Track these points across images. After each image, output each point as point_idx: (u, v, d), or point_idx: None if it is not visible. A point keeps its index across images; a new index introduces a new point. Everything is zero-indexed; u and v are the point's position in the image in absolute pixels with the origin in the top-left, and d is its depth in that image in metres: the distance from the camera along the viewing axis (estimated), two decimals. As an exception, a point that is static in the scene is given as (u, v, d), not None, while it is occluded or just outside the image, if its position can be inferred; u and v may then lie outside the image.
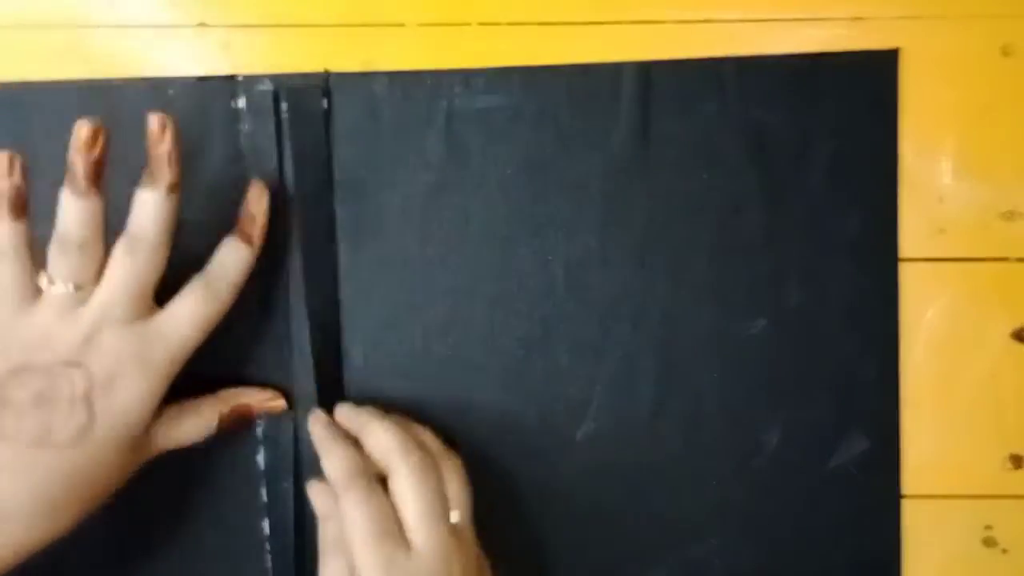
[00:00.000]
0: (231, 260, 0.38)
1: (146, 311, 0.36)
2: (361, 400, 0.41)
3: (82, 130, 0.35)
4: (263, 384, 0.41)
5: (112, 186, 0.40)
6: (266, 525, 0.42)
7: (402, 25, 0.41)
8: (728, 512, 0.42)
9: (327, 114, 0.41)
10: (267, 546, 0.42)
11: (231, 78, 0.41)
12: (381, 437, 0.38)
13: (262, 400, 0.40)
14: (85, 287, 0.36)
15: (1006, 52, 0.41)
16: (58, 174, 0.40)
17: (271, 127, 0.40)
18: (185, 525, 0.42)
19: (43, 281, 0.36)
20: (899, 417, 0.42)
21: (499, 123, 0.41)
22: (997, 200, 0.42)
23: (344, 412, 0.40)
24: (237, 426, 0.40)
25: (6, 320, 0.35)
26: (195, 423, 0.38)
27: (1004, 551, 0.43)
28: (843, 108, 0.41)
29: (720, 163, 0.41)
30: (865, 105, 0.41)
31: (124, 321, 0.36)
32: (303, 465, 0.41)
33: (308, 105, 0.40)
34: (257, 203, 0.39)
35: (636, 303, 0.41)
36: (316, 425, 0.40)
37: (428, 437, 0.39)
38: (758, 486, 0.42)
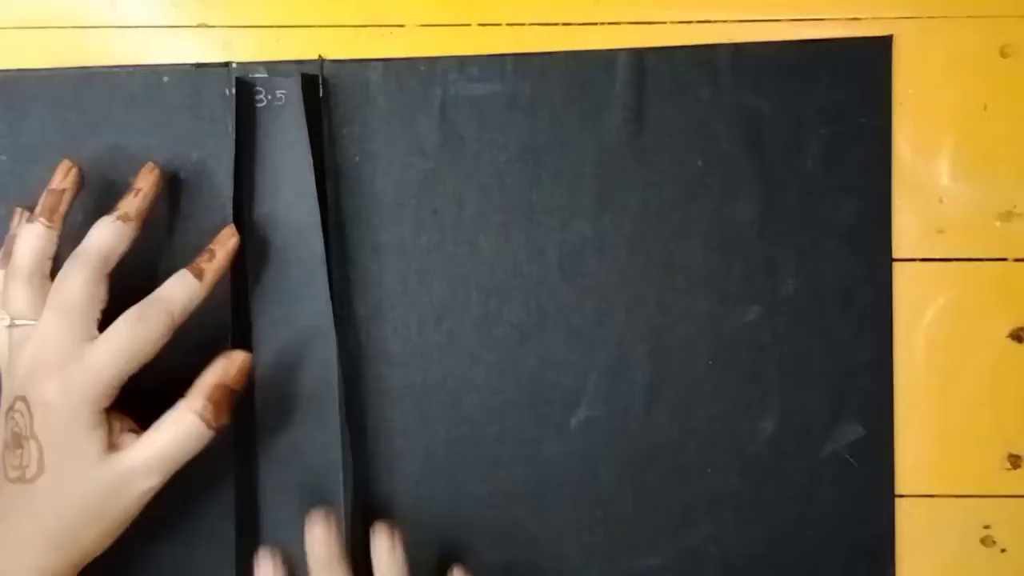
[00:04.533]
0: (177, 292, 0.37)
1: (84, 338, 0.36)
2: (356, 389, 0.41)
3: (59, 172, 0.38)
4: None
5: (109, 175, 0.41)
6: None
7: (402, 26, 0.41)
8: (722, 500, 0.42)
9: (322, 101, 0.41)
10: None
11: (226, 65, 0.41)
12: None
13: (227, 368, 0.37)
14: (25, 321, 0.37)
15: (1004, 52, 0.41)
16: (53, 160, 0.40)
17: (266, 114, 0.40)
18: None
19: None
20: (893, 404, 0.42)
21: (493, 110, 0.41)
22: (995, 200, 0.42)
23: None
24: (227, 408, 0.37)
25: None
26: (178, 434, 0.36)
27: (1002, 550, 0.43)
28: (837, 95, 0.41)
29: (714, 150, 0.41)
30: (859, 92, 0.41)
31: (56, 354, 0.35)
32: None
33: (303, 92, 0.40)
34: (223, 243, 0.38)
35: (630, 290, 0.41)
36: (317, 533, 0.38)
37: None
38: (752, 474, 0.42)
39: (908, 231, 0.42)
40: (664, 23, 0.41)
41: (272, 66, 0.41)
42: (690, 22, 0.41)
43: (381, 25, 0.41)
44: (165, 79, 0.41)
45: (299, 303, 0.41)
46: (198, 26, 0.41)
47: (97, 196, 0.41)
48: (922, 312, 0.42)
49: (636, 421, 0.42)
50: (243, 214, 0.40)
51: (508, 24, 0.41)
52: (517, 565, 0.42)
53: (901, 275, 0.42)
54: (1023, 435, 0.42)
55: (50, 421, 0.35)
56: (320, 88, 0.41)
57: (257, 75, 0.41)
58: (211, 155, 0.41)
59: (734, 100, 0.41)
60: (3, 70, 0.41)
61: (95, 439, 0.35)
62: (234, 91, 0.40)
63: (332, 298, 0.40)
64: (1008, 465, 0.42)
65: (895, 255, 0.42)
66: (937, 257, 0.42)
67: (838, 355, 0.41)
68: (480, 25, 0.41)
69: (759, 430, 0.42)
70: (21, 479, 0.35)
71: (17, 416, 0.35)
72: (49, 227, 0.37)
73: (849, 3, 0.41)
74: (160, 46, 0.41)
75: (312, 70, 0.41)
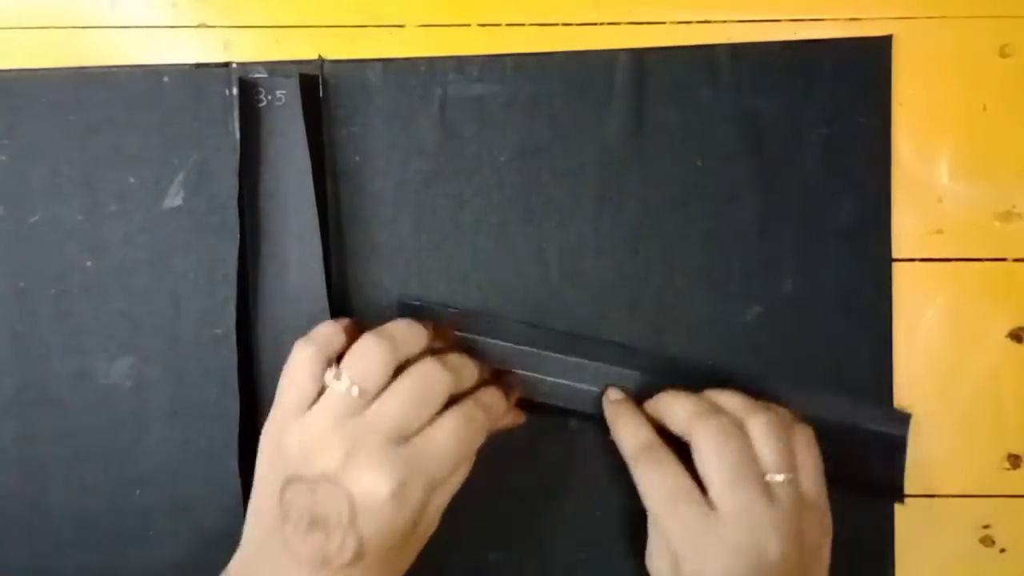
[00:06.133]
0: (487, 396, 0.37)
1: (413, 432, 0.34)
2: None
3: None
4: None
5: (109, 175, 0.41)
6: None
7: (402, 26, 0.41)
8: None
9: (322, 101, 0.41)
10: None
11: (226, 65, 0.41)
12: (678, 407, 0.38)
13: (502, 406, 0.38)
14: (366, 396, 0.34)
15: (1004, 52, 0.41)
16: (54, 161, 0.41)
17: (266, 114, 0.40)
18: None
19: (329, 375, 0.35)
20: (893, 404, 0.42)
21: (493, 110, 0.41)
22: (995, 200, 0.42)
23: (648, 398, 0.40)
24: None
25: (284, 425, 0.35)
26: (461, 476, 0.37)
27: (1002, 550, 0.43)
28: (837, 95, 0.41)
29: (714, 150, 0.41)
30: (859, 92, 0.41)
31: (388, 439, 0.34)
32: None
33: (303, 92, 0.40)
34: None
35: (630, 290, 0.41)
36: (609, 399, 0.40)
37: (732, 401, 0.38)
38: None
39: (908, 231, 0.42)
40: (664, 23, 0.41)
41: (272, 66, 0.41)
42: (690, 22, 0.41)
43: (381, 25, 0.41)
44: (165, 79, 0.41)
45: (299, 303, 0.41)
46: (198, 26, 0.41)
47: (97, 196, 0.41)
48: (922, 312, 0.42)
49: (636, 421, 0.42)
50: (244, 214, 0.40)
51: (508, 24, 0.41)
52: (517, 565, 0.42)
53: (901, 275, 0.42)
54: (1023, 435, 0.42)
55: (374, 517, 0.33)
56: (320, 88, 0.41)
57: (257, 75, 0.41)
58: (211, 155, 0.41)
59: (734, 100, 0.41)
60: (3, 70, 0.41)
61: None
62: (236, 91, 0.40)
63: (332, 298, 0.40)
64: (1008, 465, 0.42)
65: (895, 255, 0.42)
66: (937, 257, 0.42)
67: (838, 353, 0.41)
68: (480, 25, 0.41)
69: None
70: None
71: (329, 502, 0.33)
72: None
73: (849, 3, 0.41)
74: (160, 46, 0.41)
75: (312, 70, 0.41)
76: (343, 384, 0.34)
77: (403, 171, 0.41)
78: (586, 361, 0.41)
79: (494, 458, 0.42)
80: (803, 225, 0.41)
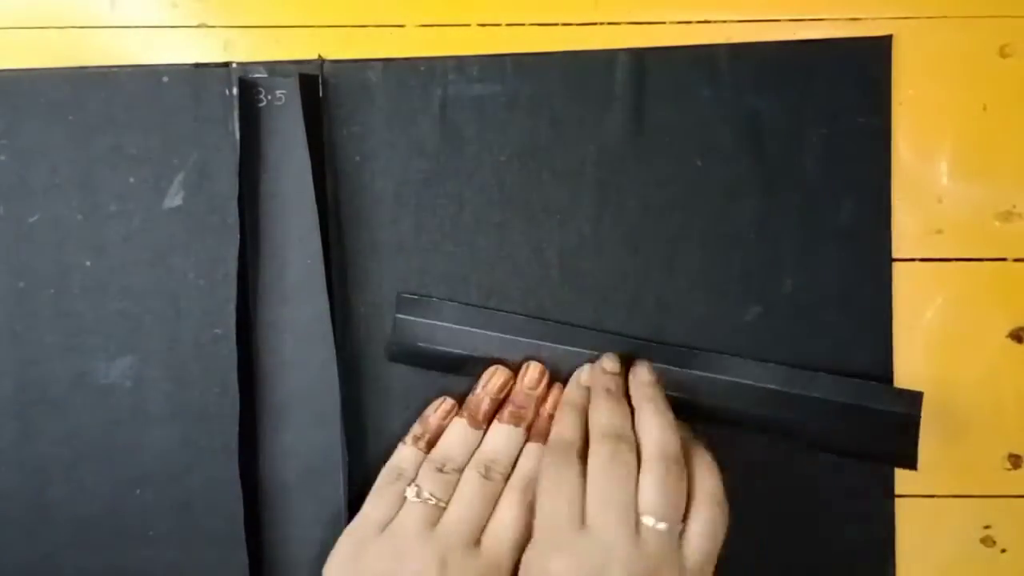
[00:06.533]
0: (525, 463, 0.39)
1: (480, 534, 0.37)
2: (356, 389, 0.41)
3: (532, 371, 0.40)
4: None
5: (109, 175, 0.41)
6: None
7: (402, 26, 0.41)
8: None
9: (322, 101, 0.41)
10: None
11: (226, 65, 0.41)
12: (600, 413, 0.38)
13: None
14: (441, 502, 0.38)
15: (1004, 52, 0.41)
16: (53, 161, 0.41)
17: (266, 114, 0.40)
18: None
19: (411, 492, 0.38)
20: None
21: (493, 110, 0.41)
22: (994, 200, 0.42)
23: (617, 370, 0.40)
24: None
25: (366, 540, 0.37)
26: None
27: (1003, 551, 0.43)
28: (837, 95, 0.41)
29: (714, 149, 0.41)
30: (859, 92, 0.41)
31: (468, 544, 0.36)
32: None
33: (303, 92, 0.40)
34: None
35: (630, 290, 0.41)
36: (604, 368, 0.40)
37: (656, 431, 0.37)
38: (752, 473, 0.42)
39: (907, 231, 0.42)
40: (664, 23, 0.41)
41: (272, 66, 0.41)
42: (690, 22, 0.41)
43: (381, 25, 0.41)
44: (165, 79, 0.41)
45: (299, 303, 0.41)
46: (198, 26, 0.41)
47: (97, 196, 0.41)
48: (921, 312, 0.42)
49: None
50: (244, 214, 0.40)
51: (508, 24, 0.41)
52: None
53: (901, 275, 0.42)
54: (1023, 435, 0.42)
55: None
56: (320, 88, 0.41)
57: (257, 75, 0.41)
58: (211, 155, 0.41)
59: (734, 100, 0.41)
60: (3, 70, 0.41)
61: None
62: (236, 91, 0.40)
63: (332, 298, 0.40)
64: (1008, 465, 0.42)
65: (895, 255, 0.42)
66: (936, 257, 0.42)
67: (838, 355, 0.41)
68: (480, 25, 0.41)
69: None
70: None
71: None
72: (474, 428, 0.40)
73: (849, 3, 0.41)
74: (160, 46, 0.41)
75: (312, 70, 0.41)
76: (420, 499, 0.38)
77: (403, 171, 0.41)
78: (586, 351, 0.41)
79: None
80: (803, 225, 0.41)
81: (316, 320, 0.41)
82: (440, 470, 0.38)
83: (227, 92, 0.40)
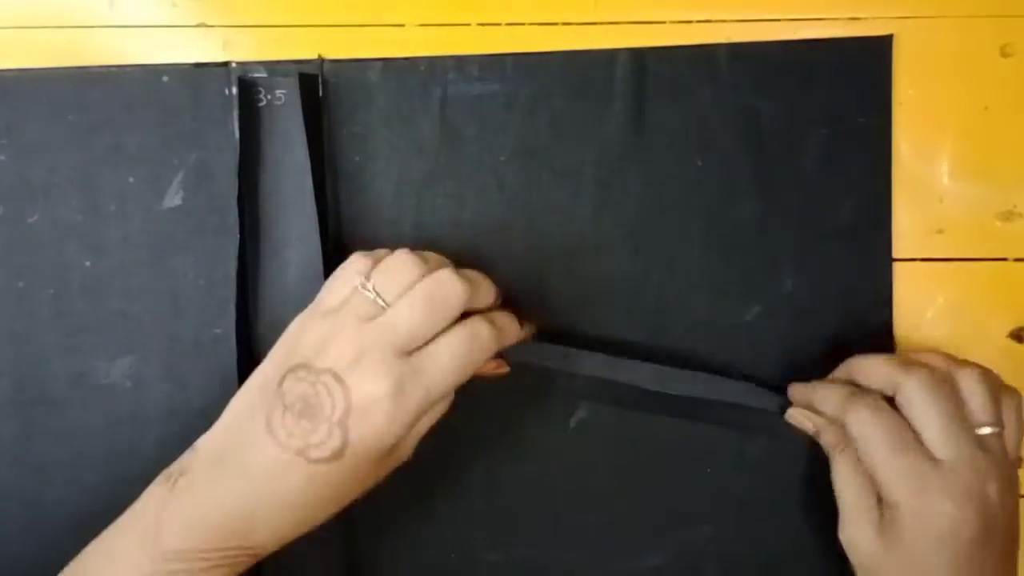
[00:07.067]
0: (500, 317, 0.37)
1: (421, 341, 0.35)
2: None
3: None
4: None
5: (109, 174, 0.41)
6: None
7: (402, 26, 0.41)
8: (723, 500, 0.42)
9: (322, 101, 0.41)
10: None
11: (225, 65, 0.41)
12: (880, 363, 0.38)
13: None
14: (386, 304, 0.35)
15: (1004, 52, 0.41)
16: (53, 161, 0.41)
17: (266, 114, 0.40)
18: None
19: (359, 280, 0.36)
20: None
21: (493, 110, 0.41)
22: (995, 200, 0.42)
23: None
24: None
25: (312, 319, 0.36)
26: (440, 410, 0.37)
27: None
28: (837, 95, 0.41)
29: (714, 149, 0.41)
30: (859, 92, 0.41)
31: (396, 349, 0.34)
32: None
33: (303, 92, 0.40)
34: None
35: (630, 290, 0.41)
36: (794, 388, 0.40)
37: (937, 358, 0.38)
38: (754, 474, 0.42)
39: (908, 231, 0.42)
40: (664, 23, 0.41)
41: (272, 66, 0.41)
42: (690, 22, 0.41)
43: (381, 25, 0.41)
44: (165, 79, 0.41)
45: (299, 303, 0.41)
46: (198, 26, 0.41)
47: (96, 196, 0.41)
48: (922, 312, 0.42)
49: (636, 420, 0.42)
50: (244, 214, 0.40)
51: (508, 24, 0.41)
52: (517, 565, 0.42)
53: (901, 275, 0.42)
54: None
55: (367, 421, 0.34)
56: (320, 88, 0.41)
57: (257, 75, 0.41)
58: (211, 155, 0.41)
59: (734, 100, 0.41)
60: (3, 70, 0.41)
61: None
62: (236, 91, 0.40)
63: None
64: (1009, 465, 0.42)
65: (895, 255, 0.42)
66: (937, 257, 0.42)
67: (838, 355, 0.41)
68: (480, 25, 0.41)
69: (760, 429, 0.42)
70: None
71: (325, 395, 0.34)
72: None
73: (849, 3, 0.41)
74: (160, 46, 0.41)
75: (312, 70, 0.41)
76: (369, 292, 0.35)
77: (403, 171, 0.41)
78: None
79: (494, 456, 0.42)
80: (803, 225, 0.41)
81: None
82: (394, 279, 0.36)
83: (227, 92, 0.40)
